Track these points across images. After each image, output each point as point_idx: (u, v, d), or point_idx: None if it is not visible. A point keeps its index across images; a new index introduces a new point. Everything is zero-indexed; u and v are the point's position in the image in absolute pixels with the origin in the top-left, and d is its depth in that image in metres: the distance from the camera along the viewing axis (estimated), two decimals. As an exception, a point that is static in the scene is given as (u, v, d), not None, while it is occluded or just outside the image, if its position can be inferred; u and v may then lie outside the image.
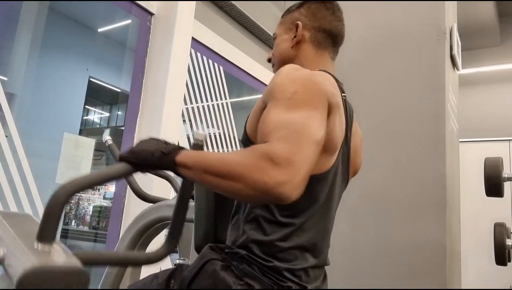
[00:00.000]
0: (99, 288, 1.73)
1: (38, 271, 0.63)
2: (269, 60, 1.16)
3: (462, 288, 2.13)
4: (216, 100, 3.88)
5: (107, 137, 1.83)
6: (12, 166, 2.31)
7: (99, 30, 4.14)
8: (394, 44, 2.00)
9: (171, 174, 1.84)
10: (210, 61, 3.81)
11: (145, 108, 3.07)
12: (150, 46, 3.16)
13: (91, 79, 4.23)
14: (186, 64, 3.26)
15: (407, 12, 1.99)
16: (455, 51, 1.97)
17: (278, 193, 0.69)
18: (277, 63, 1.12)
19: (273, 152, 0.71)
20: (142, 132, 3.00)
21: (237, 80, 4.24)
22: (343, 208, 1.12)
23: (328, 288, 1.01)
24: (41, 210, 1.95)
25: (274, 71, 1.07)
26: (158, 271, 1.11)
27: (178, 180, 1.97)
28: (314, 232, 0.94)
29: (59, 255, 0.68)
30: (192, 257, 1.57)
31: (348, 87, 1.09)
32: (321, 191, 0.93)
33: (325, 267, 1.02)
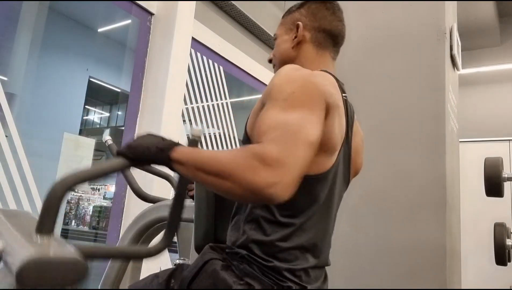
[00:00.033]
0: (99, 288, 1.73)
1: (37, 262, 0.63)
2: (270, 61, 1.17)
3: (462, 288, 2.13)
4: (216, 100, 3.89)
5: (107, 137, 1.83)
6: (12, 166, 2.31)
7: (99, 30, 4.14)
8: (394, 44, 2.00)
9: (171, 173, 1.84)
10: (210, 61, 3.81)
11: (145, 108, 3.07)
12: (150, 46, 3.16)
13: (91, 79, 4.24)
14: (186, 64, 3.26)
15: (407, 12, 1.99)
16: (455, 51, 1.97)
17: (268, 194, 0.70)
18: (278, 64, 1.12)
19: (264, 153, 0.72)
20: (142, 132, 3.00)
21: (237, 80, 4.25)
22: (344, 209, 1.12)
23: (329, 288, 1.01)
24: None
25: (275, 72, 1.08)
26: (158, 271, 1.11)
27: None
28: (315, 232, 0.94)
29: (58, 247, 0.68)
30: (192, 257, 1.57)
31: (348, 87, 1.10)
32: (321, 191, 0.93)
33: (326, 267, 1.02)
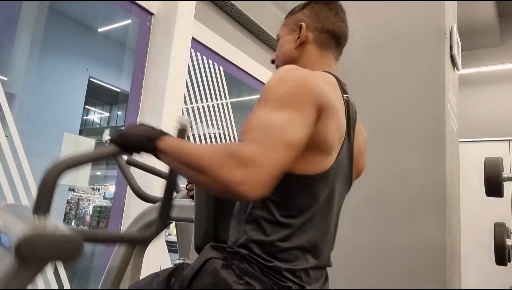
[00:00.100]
0: (99, 288, 1.73)
1: (34, 237, 0.68)
2: (273, 62, 1.17)
3: (462, 288, 2.13)
4: (216, 100, 3.88)
5: (107, 137, 1.82)
6: (12, 166, 2.31)
7: (99, 30, 4.14)
8: (394, 44, 2.00)
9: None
10: (210, 61, 3.81)
11: (145, 108, 3.07)
12: (150, 46, 3.16)
13: (91, 79, 4.23)
14: (186, 64, 3.26)
15: (407, 12, 1.99)
16: (455, 51, 1.97)
17: (239, 191, 0.73)
18: (280, 64, 1.12)
19: (240, 152, 0.75)
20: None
21: (237, 80, 4.24)
22: (346, 210, 1.12)
23: (330, 289, 1.01)
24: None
25: None
26: (158, 270, 1.11)
27: (178, 180, 1.97)
28: (315, 232, 0.94)
29: (54, 225, 0.72)
30: (192, 257, 1.57)
31: (348, 87, 1.09)
32: (320, 191, 0.93)
33: (328, 268, 1.02)
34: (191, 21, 3.25)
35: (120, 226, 2.87)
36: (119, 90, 4.68)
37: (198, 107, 3.65)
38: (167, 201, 0.98)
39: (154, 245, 2.19)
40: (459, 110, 2.22)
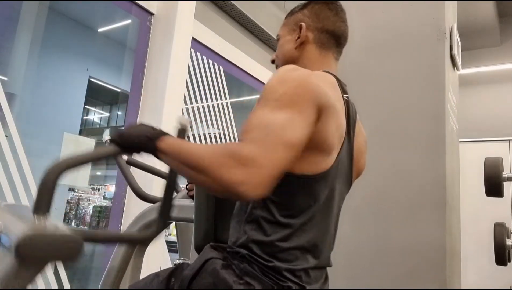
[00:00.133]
0: (99, 288, 1.73)
1: (34, 237, 0.68)
2: (273, 62, 1.17)
3: (462, 288, 2.13)
4: (216, 100, 3.88)
5: (107, 137, 1.82)
6: (12, 166, 2.31)
7: (99, 30, 4.14)
8: (394, 44, 2.00)
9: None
10: (210, 61, 3.81)
11: (145, 108, 3.07)
12: (150, 46, 3.16)
13: (91, 79, 4.23)
14: (186, 64, 3.26)
15: (407, 12, 1.99)
16: (455, 51, 1.97)
17: (239, 191, 0.74)
18: (280, 64, 1.12)
19: (240, 152, 0.75)
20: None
21: (237, 80, 4.24)
22: (346, 210, 1.12)
23: (330, 289, 1.01)
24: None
25: None
26: (158, 270, 1.11)
27: (178, 180, 1.97)
28: (315, 232, 0.94)
29: (54, 225, 0.72)
30: (192, 258, 1.57)
31: (348, 87, 1.09)
32: (320, 191, 0.93)
33: (328, 268, 1.02)
34: (191, 21, 3.25)
35: (120, 226, 2.87)
36: (119, 90, 4.67)
37: (198, 107, 3.65)
38: (167, 201, 0.99)
39: (154, 245, 2.19)
40: (459, 110, 2.22)
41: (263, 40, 4.46)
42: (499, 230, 2.43)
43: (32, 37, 2.86)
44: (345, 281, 1.79)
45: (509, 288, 4.09)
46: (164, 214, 0.98)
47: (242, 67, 4.18)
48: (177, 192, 1.94)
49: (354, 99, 1.10)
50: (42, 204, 0.76)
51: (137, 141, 0.89)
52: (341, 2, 1.14)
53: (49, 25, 3.01)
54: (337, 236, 1.06)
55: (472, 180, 3.36)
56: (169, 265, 2.96)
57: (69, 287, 2.54)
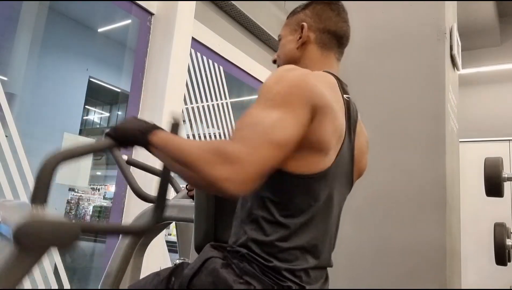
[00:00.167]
0: (99, 288, 1.73)
1: (32, 223, 0.70)
2: (274, 61, 1.17)
3: (462, 288, 2.13)
4: (216, 100, 3.89)
5: (106, 135, 1.82)
6: (12, 166, 2.31)
7: (99, 30, 4.14)
8: (394, 44, 2.00)
9: (171, 173, 1.84)
10: (210, 61, 3.81)
11: (145, 108, 3.07)
12: (150, 46, 3.16)
13: (91, 79, 4.23)
14: (186, 64, 3.26)
15: (407, 12, 1.99)
16: (455, 51, 1.97)
17: (221, 187, 0.75)
18: (282, 64, 1.12)
19: (226, 149, 0.77)
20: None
21: (237, 80, 4.24)
22: (347, 210, 1.12)
23: (330, 289, 1.01)
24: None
25: None
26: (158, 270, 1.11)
27: (178, 180, 1.97)
28: (315, 232, 0.94)
29: (51, 213, 0.75)
30: (192, 258, 1.57)
31: (348, 87, 1.09)
32: (320, 191, 0.93)
33: (329, 268, 1.02)
34: (191, 21, 3.25)
35: (120, 226, 2.87)
36: (119, 90, 4.67)
37: (198, 107, 3.65)
38: (162, 191, 0.99)
39: (154, 245, 2.19)
40: (459, 110, 2.22)
41: (263, 40, 4.46)
42: (499, 230, 2.43)
43: (32, 37, 2.86)
44: (346, 281, 1.79)
45: (509, 288, 4.09)
46: (160, 205, 0.99)
47: (242, 67, 4.18)
48: (177, 192, 1.94)
49: (354, 99, 1.10)
50: (40, 194, 0.77)
51: (130, 134, 0.91)
52: (341, 2, 1.14)
53: (49, 25, 3.01)
54: (339, 237, 1.06)
55: (472, 180, 3.36)
56: (169, 265, 2.96)
57: (69, 287, 2.54)
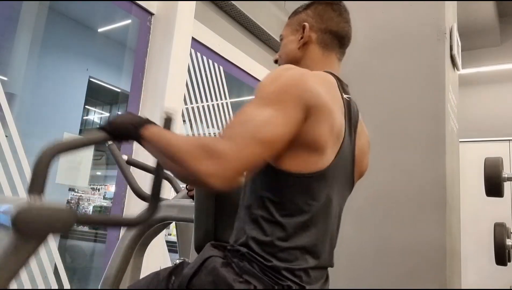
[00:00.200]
0: (99, 288, 1.73)
1: (29, 209, 0.72)
2: (276, 61, 1.17)
3: (462, 288, 2.13)
4: (216, 100, 3.88)
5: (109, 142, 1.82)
6: (12, 166, 2.31)
7: (99, 30, 4.14)
8: (394, 44, 2.00)
9: (171, 174, 1.84)
10: (210, 61, 3.81)
11: (145, 108, 3.07)
12: (150, 46, 3.16)
13: (91, 79, 4.23)
14: (186, 64, 3.26)
15: (407, 12, 1.99)
16: (455, 51, 1.97)
17: (206, 182, 0.77)
18: (283, 64, 1.12)
19: (213, 145, 0.79)
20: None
21: (237, 80, 4.24)
22: (348, 211, 1.12)
23: (330, 289, 1.01)
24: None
25: None
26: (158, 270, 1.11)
27: (179, 180, 1.97)
28: (315, 232, 0.93)
29: (48, 201, 0.77)
30: (192, 258, 1.57)
31: (348, 87, 1.09)
32: (319, 190, 0.93)
33: (330, 268, 1.02)
34: (191, 21, 3.25)
35: (120, 226, 2.87)
36: (119, 90, 4.67)
37: (198, 107, 3.65)
38: (157, 182, 1.00)
39: (154, 245, 2.19)
40: (459, 110, 2.22)
41: (263, 40, 4.45)
42: (499, 230, 2.43)
43: (32, 37, 2.86)
44: (346, 281, 1.79)
45: (509, 288, 4.09)
46: (156, 196, 1.00)
47: (242, 67, 4.18)
48: (177, 192, 1.94)
49: (354, 99, 1.10)
50: (37, 185, 0.79)
51: (123, 128, 0.93)
52: (342, 2, 1.14)
53: (49, 25, 3.01)
54: (339, 238, 1.05)
55: (472, 180, 3.36)
56: (169, 265, 2.96)
57: (69, 287, 2.54)
